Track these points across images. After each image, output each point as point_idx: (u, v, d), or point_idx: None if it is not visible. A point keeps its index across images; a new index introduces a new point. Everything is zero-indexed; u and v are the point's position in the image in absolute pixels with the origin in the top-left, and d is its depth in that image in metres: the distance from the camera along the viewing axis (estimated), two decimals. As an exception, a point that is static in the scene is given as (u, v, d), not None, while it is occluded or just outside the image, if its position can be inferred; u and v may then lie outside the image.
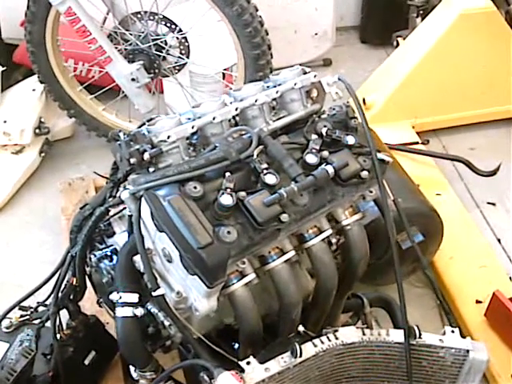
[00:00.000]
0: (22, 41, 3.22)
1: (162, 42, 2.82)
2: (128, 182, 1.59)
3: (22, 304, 2.17)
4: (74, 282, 1.96)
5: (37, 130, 3.07)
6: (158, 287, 1.54)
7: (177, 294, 1.53)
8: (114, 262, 1.75)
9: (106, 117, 3.13)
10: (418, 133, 3.19)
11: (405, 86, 3.11)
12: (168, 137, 1.54)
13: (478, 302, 2.33)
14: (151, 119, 1.65)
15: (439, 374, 1.70)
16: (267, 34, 2.76)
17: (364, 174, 1.64)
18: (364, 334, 1.66)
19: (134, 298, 1.61)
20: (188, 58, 2.92)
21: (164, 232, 1.47)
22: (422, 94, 3.12)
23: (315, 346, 1.59)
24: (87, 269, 1.84)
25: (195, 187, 1.49)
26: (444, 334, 1.69)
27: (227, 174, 1.51)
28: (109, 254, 1.77)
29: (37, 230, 2.88)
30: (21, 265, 2.71)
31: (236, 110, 1.66)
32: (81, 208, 1.97)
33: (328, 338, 1.63)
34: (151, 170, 1.55)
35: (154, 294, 1.54)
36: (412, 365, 1.66)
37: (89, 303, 2.23)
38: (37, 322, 2.08)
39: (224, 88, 3.07)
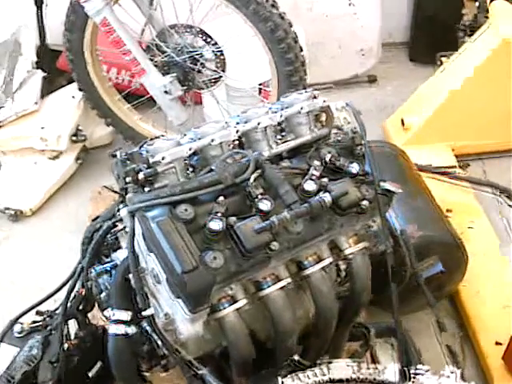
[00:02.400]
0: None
1: (197, 55, 2.83)
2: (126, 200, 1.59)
3: (40, 309, 2.21)
4: (83, 293, 1.99)
5: (73, 137, 3.12)
6: (148, 307, 1.54)
7: (165, 315, 1.52)
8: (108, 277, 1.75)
9: (142, 126, 3.16)
10: (459, 156, 3.09)
11: (445, 108, 3.02)
12: (163, 158, 1.53)
13: (497, 343, 2.23)
14: (152, 139, 1.66)
15: (437, 416, 1.63)
16: (301, 50, 2.72)
17: (364, 203, 1.59)
18: (358, 369, 1.61)
19: (126, 315, 1.60)
20: (224, 71, 2.91)
21: (152, 253, 1.47)
22: (463, 117, 3.03)
23: (300, 380, 1.55)
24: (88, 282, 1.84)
25: (186, 210, 1.47)
26: (442, 376, 1.62)
27: (220, 198, 1.49)
28: (108, 269, 1.77)
29: (67, 235, 2.92)
30: (47, 269, 2.75)
31: (237, 132, 1.63)
32: (93, 220, 2.00)
33: (318, 371, 1.59)
34: (146, 189, 1.55)
35: (143, 313, 1.54)
36: (408, 405, 1.60)
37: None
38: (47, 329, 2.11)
39: (260, 103, 3.05)
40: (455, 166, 2.97)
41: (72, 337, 2.04)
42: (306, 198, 1.55)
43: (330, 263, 1.63)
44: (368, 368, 1.61)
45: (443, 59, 3.31)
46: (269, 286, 1.55)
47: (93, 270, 1.78)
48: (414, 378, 1.58)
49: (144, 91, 3.09)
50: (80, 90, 3.09)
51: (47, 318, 2.15)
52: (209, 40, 2.86)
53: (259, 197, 1.51)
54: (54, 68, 3.46)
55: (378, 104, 3.61)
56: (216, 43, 2.85)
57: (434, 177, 2.78)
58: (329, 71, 3.66)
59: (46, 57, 3.40)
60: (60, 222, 2.99)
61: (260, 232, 1.46)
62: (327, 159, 1.63)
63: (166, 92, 2.76)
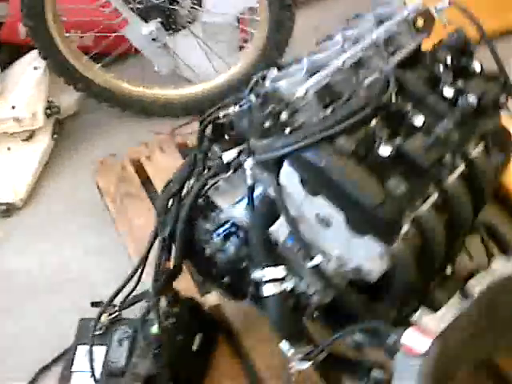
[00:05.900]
0: (5, 18, 2.99)
1: (172, -7, 2.61)
2: (255, 149, 1.44)
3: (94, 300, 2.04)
4: (171, 266, 1.84)
5: (48, 111, 2.82)
6: (313, 256, 1.42)
7: (338, 259, 1.42)
8: (240, 237, 1.61)
9: (118, 84, 2.90)
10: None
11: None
12: (305, 92, 1.39)
13: None
14: (263, 76, 1.50)
15: None
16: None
17: (502, 99, 1.54)
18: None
19: (279, 272, 1.48)
20: (201, 7, 2.71)
21: (321, 195, 1.35)
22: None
23: (480, 282, 1.49)
24: (207, 250, 1.68)
25: (346, 142, 1.35)
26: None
27: (375, 121, 1.38)
28: (231, 230, 1.62)
29: (71, 217, 2.65)
30: (64, 255, 2.50)
31: (357, 52, 1.50)
32: (165, 186, 1.84)
33: (486, 272, 1.53)
34: (287, 131, 1.40)
35: (309, 263, 1.42)
36: None
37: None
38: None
39: (241, 34, 2.90)
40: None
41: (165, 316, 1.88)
42: (447, 104, 1.47)
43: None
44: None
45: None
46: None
47: (215, 236, 1.63)
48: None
49: (109, 49, 2.85)
50: (44, 58, 2.78)
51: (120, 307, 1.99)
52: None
53: (410, 112, 1.42)
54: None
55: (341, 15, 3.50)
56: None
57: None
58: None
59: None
60: (58, 206, 2.72)
61: (430, 148, 1.37)
62: (448, 62, 1.54)
63: (153, 39, 2.55)
